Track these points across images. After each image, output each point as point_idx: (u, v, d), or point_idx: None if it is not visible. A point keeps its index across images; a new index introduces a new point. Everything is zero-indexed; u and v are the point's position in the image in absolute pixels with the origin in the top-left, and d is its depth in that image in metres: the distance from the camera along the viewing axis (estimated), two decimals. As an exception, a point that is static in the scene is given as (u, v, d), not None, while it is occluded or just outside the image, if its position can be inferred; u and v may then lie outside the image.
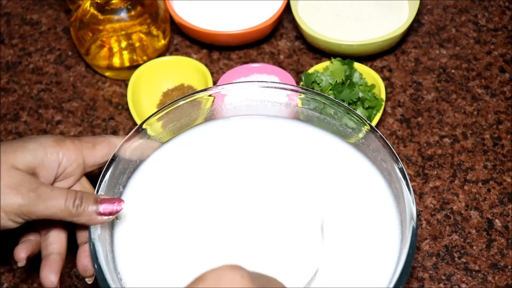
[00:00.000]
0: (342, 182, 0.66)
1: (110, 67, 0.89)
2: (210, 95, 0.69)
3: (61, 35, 0.97)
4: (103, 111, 0.87)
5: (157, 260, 0.62)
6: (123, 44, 0.88)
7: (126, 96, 0.87)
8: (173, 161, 0.69)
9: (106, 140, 0.65)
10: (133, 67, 0.89)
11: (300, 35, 0.93)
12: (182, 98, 0.68)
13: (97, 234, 0.59)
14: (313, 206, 0.63)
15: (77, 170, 0.63)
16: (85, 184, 0.65)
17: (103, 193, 0.62)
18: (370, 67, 0.89)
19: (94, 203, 0.59)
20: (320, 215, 0.63)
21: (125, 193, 0.66)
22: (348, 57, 0.86)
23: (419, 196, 0.78)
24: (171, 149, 0.70)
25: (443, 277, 0.72)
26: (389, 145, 0.63)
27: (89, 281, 0.62)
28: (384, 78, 0.88)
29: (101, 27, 0.86)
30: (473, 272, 0.72)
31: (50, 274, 0.61)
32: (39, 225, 0.63)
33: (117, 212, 0.60)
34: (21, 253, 0.62)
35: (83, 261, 0.61)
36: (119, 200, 0.60)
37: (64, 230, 0.63)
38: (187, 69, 0.87)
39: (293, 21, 0.94)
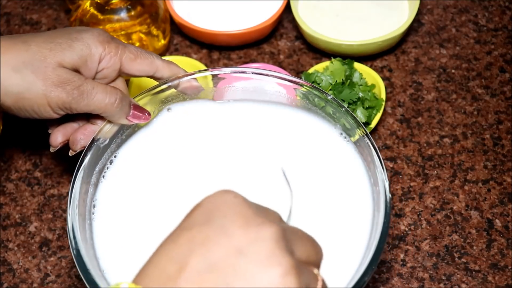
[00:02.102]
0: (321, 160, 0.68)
1: (110, 67, 0.89)
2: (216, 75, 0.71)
3: (61, 35, 0.96)
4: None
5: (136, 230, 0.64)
6: (123, 44, 0.88)
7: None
8: (167, 131, 0.71)
9: (150, 58, 0.67)
10: (133, 67, 0.89)
11: (300, 35, 0.93)
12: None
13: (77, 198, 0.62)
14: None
15: (113, 74, 0.66)
16: (120, 84, 0.68)
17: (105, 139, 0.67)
18: (370, 67, 0.89)
19: (128, 107, 0.65)
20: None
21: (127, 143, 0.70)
22: (348, 57, 0.86)
23: (419, 196, 0.77)
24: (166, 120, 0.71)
25: (443, 277, 0.72)
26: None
27: (70, 153, 0.67)
28: (384, 78, 0.88)
29: (101, 27, 0.86)
30: (473, 272, 0.72)
31: (59, 134, 0.67)
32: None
33: (140, 121, 0.67)
34: (58, 137, 0.67)
35: (78, 135, 0.66)
36: (148, 113, 0.67)
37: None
38: (187, 69, 0.86)
39: (293, 21, 0.94)
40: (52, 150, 0.67)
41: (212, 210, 0.46)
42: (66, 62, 0.62)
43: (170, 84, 0.69)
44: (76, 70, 0.63)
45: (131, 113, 0.66)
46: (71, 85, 0.61)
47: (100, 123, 0.66)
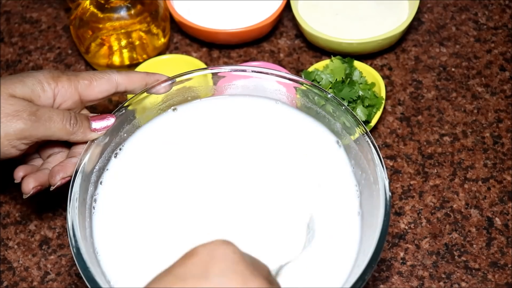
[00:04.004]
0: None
1: (110, 66, 0.89)
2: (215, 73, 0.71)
3: (61, 34, 0.97)
4: (103, 110, 0.87)
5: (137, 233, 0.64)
6: (123, 42, 0.88)
7: (126, 94, 0.87)
8: (164, 134, 0.71)
9: (105, 76, 0.66)
10: (133, 65, 0.89)
11: (300, 33, 0.93)
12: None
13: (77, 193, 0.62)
14: (299, 200, 0.65)
15: (73, 106, 0.65)
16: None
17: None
18: (370, 65, 0.89)
19: (87, 120, 0.64)
20: (308, 211, 0.64)
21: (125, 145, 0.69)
22: (348, 55, 0.86)
23: (419, 195, 0.77)
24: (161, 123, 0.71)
25: (443, 276, 0.72)
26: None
27: (51, 189, 0.65)
28: (384, 77, 0.88)
29: (101, 26, 0.86)
30: (473, 271, 0.72)
31: (30, 180, 0.64)
32: (42, 151, 0.68)
33: (109, 126, 0.65)
34: (20, 172, 0.65)
35: (56, 168, 0.64)
36: (110, 115, 0.66)
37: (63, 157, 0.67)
38: (187, 68, 0.87)
39: (293, 19, 0.94)
40: (25, 197, 0.65)
41: (209, 264, 0.46)
42: (17, 93, 0.60)
43: (151, 91, 0.68)
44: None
45: (92, 124, 0.64)
46: (27, 112, 0.59)
47: (77, 153, 0.65)
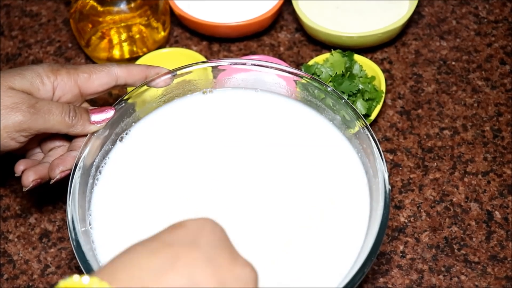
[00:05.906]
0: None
1: (110, 59, 0.89)
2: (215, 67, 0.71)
3: (61, 27, 0.96)
4: (104, 103, 0.87)
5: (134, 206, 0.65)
6: (123, 36, 0.88)
7: (126, 88, 0.87)
8: (168, 123, 0.71)
9: (105, 69, 0.66)
10: (133, 59, 0.89)
11: (300, 27, 0.93)
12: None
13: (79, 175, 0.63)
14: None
15: (73, 99, 0.65)
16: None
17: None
18: (370, 59, 0.89)
19: (86, 113, 0.64)
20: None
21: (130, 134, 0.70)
22: (348, 49, 0.86)
23: (419, 188, 0.78)
24: (166, 112, 0.72)
25: (443, 269, 0.72)
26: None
27: (52, 182, 0.65)
28: (384, 70, 0.88)
29: (101, 19, 0.86)
30: (473, 264, 0.72)
31: (30, 173, 0.64)
32: (44, 145, 0.68)
33: (108, 119, 0.65)
34: (20, 165, 0.66)
35: (56, 161, 0.64)
36: (110, 107, 0.66)
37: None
38: (187, 61, 0.87)
39: (293, 13, 0.94)
40: (24, 190, 0.65)
41: (198, 235, 0.46)
42: (16, 86, 0.61)
43: (151, 84, 0.69)
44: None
45: (92, 116, 0.64)
46: (26, 104, 0.60)
47: (78, 147, 0.65)
